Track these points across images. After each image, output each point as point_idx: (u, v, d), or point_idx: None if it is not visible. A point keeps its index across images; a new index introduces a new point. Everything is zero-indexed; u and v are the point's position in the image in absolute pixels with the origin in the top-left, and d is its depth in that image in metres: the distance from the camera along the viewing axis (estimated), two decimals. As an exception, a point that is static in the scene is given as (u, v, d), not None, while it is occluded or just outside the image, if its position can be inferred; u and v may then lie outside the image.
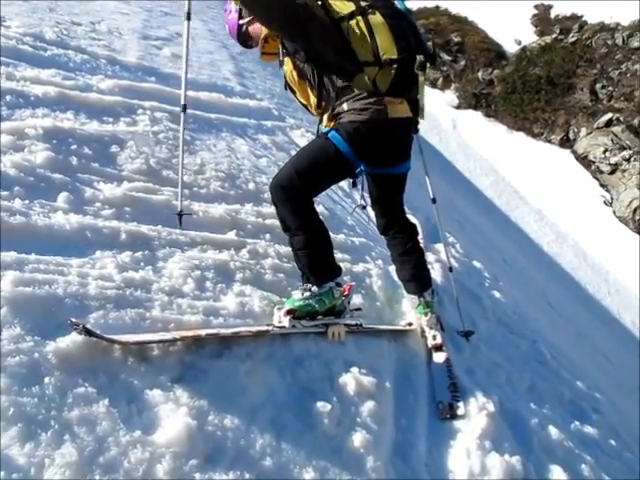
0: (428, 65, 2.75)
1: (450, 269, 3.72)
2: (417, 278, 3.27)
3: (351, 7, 2.66)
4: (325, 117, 2.82)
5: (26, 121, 3.35)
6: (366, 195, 3.18)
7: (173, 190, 3.28)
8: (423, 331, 3.24)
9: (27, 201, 2.69)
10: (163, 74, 5.03)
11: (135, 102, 4.22)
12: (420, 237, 3.69)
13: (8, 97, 3.51)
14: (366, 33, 2.62)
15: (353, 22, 2.63)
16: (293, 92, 2.91)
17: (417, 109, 2.86)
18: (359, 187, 3.15)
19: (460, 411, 2.80)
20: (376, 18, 2.64)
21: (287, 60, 2.80)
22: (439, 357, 3.13)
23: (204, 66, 5.90)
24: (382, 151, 2.85)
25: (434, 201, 3.59)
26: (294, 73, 2.80)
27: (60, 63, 4.41)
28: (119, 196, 3.03)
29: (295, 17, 2.55)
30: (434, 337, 3.20)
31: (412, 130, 2.97)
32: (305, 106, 2.92)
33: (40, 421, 1.78)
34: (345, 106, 2.70)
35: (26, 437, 1.72)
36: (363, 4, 2.66)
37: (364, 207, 3.30)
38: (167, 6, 8.01)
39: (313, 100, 2.81)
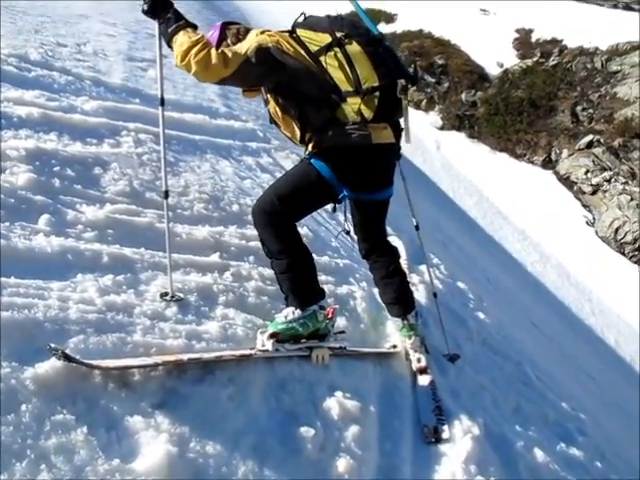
0: (410, 87, 2.75)
1: (434, 295, 3.71)
2: (400, 301, 3.25)
3: (327, 39, 2.67)
4: (310, 146, 2.82)
5: (8, 142, 3.33)
6: (349, 218, 3.19)
7: (156, 212, 3.26)
8: (407, 354, 3.23)
9: (7, 223, 2.67)
10: (148, 96, 5.03)
11: (119, 124, 4.21)
12: (403, 259, 3.70)
13: (-10, 118, 3.49)
14: (345, 64, 2.65)
15: (331, 54, 2.65)
16: (278, 126, 2.92)
17: (399, 135, 2.89)
18: (342, 211, 3.15)
19: (445, 435, 2.78)
20: (353, 47, 2.66)
21: (269, 97, 2.83)
22: (424, 380, 3.11)
23: (189, 87, 5.91)
24: (365, 176, 2.84)
25: (417, 228, 3.59)
26: (277, 109, 2.82)
27: (44, 84, 4.41)
28: (102, 218, 3.01)
29: (276, 67, 2.60)
30: (419, 360, 3.18)
31: (395, 156, 2.97)
32: (290, 138, 2.93)
33: (16, 451, 1.75)
34: (329, 133, 2.72)
35: (1, 468, 1.68)
36: (338, 35, 2.67)
37: (348, 232, 3.29)
38: (153, 28, 7.97)
39: (297, 133, 2.81)
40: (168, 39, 2.58)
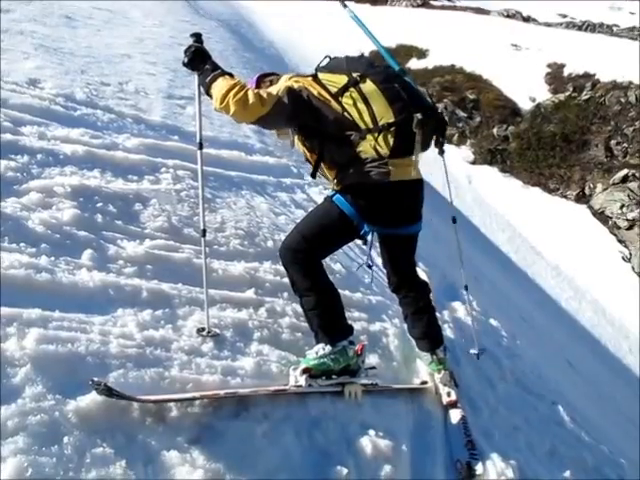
0: (427, 117, 2.77)
1: (466, 287, 3.85)
2: (429, 336, 3.28)
3: (344, 80, 2.80)
4: (334, 182, 2.94)
5: (55, 179, 3.47)
6: (374, 254, 3.25)
7: (194, 248, 3.34)
8: (437, 388, 3.22)
9: (53, 258, 2.77)
10: (186, 133, 5.18)
11: (159, 160, 4.35)
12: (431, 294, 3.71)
13: (39, 156, 3.65)
14: (361, 102, 2.75)
15: (347, 94, 2.77)
16: (311, 163, 3.04)
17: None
18: (368, 245, 3.21)
19: (478, 470, 2.75)
20: (367, 86, 2.76)
21: (295, 139, 3.00)
22: (455, 414, 3.09)
23: (225, 124, 6.06)
24: (386, 213, 2.92)
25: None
26: (301, 145, 2.99)
27: (89, 122, 4.59)
28: (141, 254, 3.10)
29: (303, 107, 2.76)
30: (448, 394, 3.18)
31: (421, 192, 3.01)
32: (323, 175, 3.04)
33: (58, 482, 1.79)
34: (350, 170, 2.83)
35: (43, 499, 1.73)
36: (354, 75, 2.79)
37: (370, 266, 3.35)
38: (195, 79, 8.30)
39: (324, 171, 2.96)
40: (207, 87, 2.77)
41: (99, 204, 3.39)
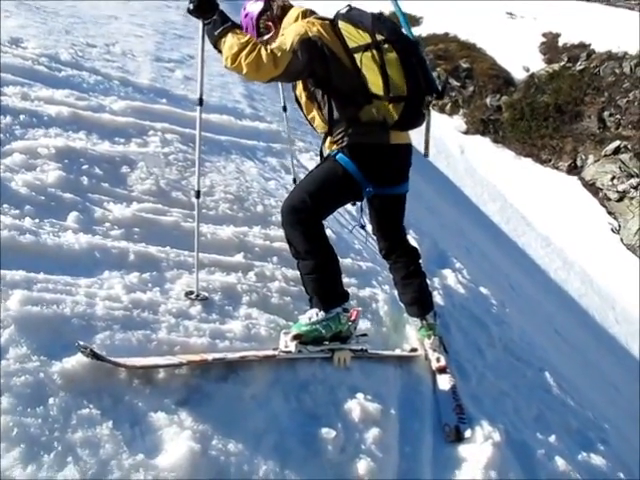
0: (435, 101, 2.86)
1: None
2: (419, 301, 3.29)
3: (367, 39, 2.71)
4: (328, 139, 2.91)
5: (39, 140, 3.40)
6: (366, 218, 3.24)
7: (182, 211, 3.30)
8: (427, 353, 3.24)
9: (37, 220, 2.72)
10: (175, 96, 5.09)
11: (147, 123, 4.27)
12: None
13: (22, 117, 3.57)
14: (379, 67, 2.69)
15: (368, 54, 2.70)
16: (301, 108, 3.01)
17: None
18: (358, 207, 3.22)
19: (467, 434, 2.77)
20: (390, 53, 2.70)
21: (299, 83, 2.91)
22: (443, 380, 3.10)
23: (215, 88, 5.96)
24: (386, 171, 2.93)
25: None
26: (303, 94, 2.91)
27: (74, 84, 4.48)
28: (128, 217, 3.06)
29: (317, 58, 2.66)
30: (438, 359, 3.19)
31: (411, 154, 3.04)
32: (310, 123, 3.02)
33: (43, 442, 1.78)
34: (350, 130, 2.80)
35: (29, 458, 1.72)
36: (379, 37, 2.71)
37: (363, 226, 3.33)
38: (180, 29, 8.13)
39: (318, 121, 2.91)
40: (215, 41, 2.62)
41: (85, 166, 3.33)
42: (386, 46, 2.71)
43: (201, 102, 2.81)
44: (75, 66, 4.82)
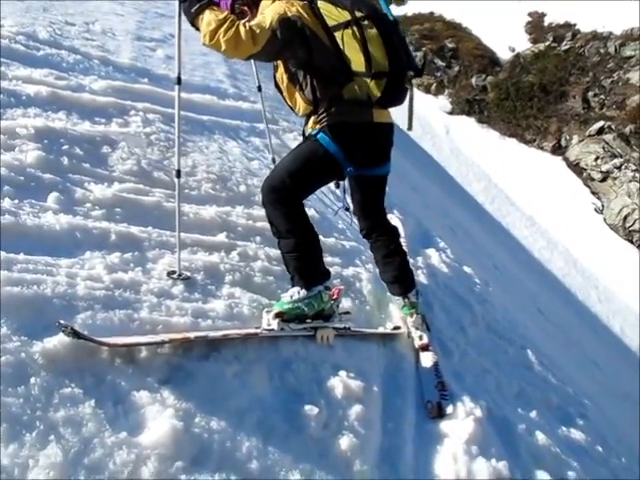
0: (414, 77, 2.85)
1: None
2: (401, 280, 3.31)
3: (347, 16, 2.70)
4: (311, 120, 2.88)
5: (17, 120, 3.35)
6: (349, 198, 3.22)
7: (164, 191, 3.28)
8: (409, 332, 3.26)
9: (17, 201, 2.70)
10: (156, 75, 5.02)
11: (128, 103, 4.22)
12: (403, 239, 3.72)
13: (0, 96, 3.50)
14: (360, 44, 2.67)
15: (348, 31, 2.68)
16: (281, 92, 2.98)
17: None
18: (342, 189, 3.22)
19: (449, 410, 2.81)
20: (371, 30, 2.69)
21: (279, 63, 2.87)
22: (426, 357, 3.13)
23: (197, 68, 5.89)
24: (368, 152, 2.93)
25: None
26: (284, 76, 2.87)
27: (53, 63, 4.40)
28: (109, 197, 3.03)
29: (297, 38, 2.62)
30: (420, 337, 3.22)
31: (393, 135, 3.03)
32: (291, 107, 2.98)
33: (25, 421, 1.78)
34: (333, 110, 2.78)
35: (11, 437, 1.72)
36: (358, 15, 2.70)
37: (347, 209, 3.33)
38: (162, 7, 8.00)
39: (300, 102, 2.87)
40: (192, 18, 2.58)
41: (65, 146, 3.29)
42: (366, 22, 2.69)
43: (179, 81, 2.79)
44: (54, 45, 4.73)
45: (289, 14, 2.62)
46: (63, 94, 3.92)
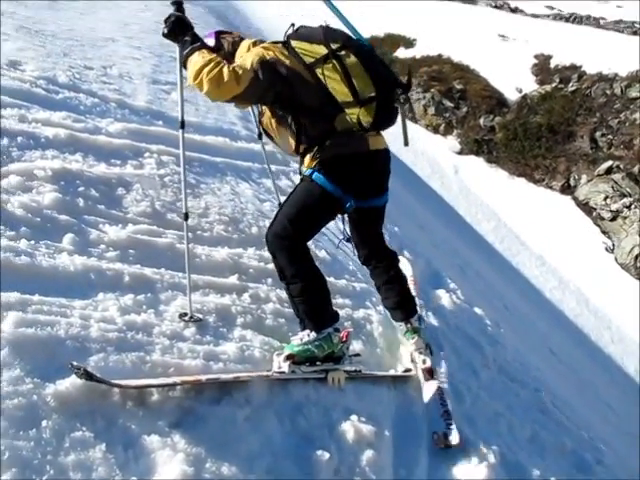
0: (403, 94, 2.80)
1: None
2: (402, 305, 3.32)
3: (322, 51, 2.70)
4: (307, 157, 2.87)
5: (35, 162, 3.42)
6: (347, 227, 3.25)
7: (177, 233, 3.32)
8: (413, 356, 3.26)
9: (33, 241, 2.74)
10: (171, 118, 5.13)
11: (142, 145, 4.30)
12: (411, 278, 3.72)
13: (19, 139, 3.60)
14: (342, 75, 2.68)
15: (328, 65, 2.68)
16: (270, 138, 3.01)
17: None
18: (341, 219, 3.22)
19: (454, 440, 2.79)
20: (350, 59, 2.69)
21: (264, 108, 2.92)
22: (430, 386, 3.10)
23: (211, 110, 6.01)
24: (366, 181, 2.93)
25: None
26: (272, 120, 2.90)
27: (71, 106, 4.52)
28: (124, 238, 3.07)
29: (278, 79, 2.66)
30: (424, 361, 3.21)
31: (389, 162, 3.04)
32: (284, 150, 3.03)
33: (35, 466, 1.78)
34: (327, 143, 2.79)
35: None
36: (334, 46, 2.70)
37: (348, 239, 3.33)
38: (176, 51, 8.21)
39: (292, 144, 2.88)
40: (183, 60, 2.70)
41: (81, 188, 3.35)
42: (343, 52, 2.69)
43: (182, 125, 2.89)
44: (72, 88, 4.87)
45: (267, 57, 2.66)
46: (80, 136, 4.01)
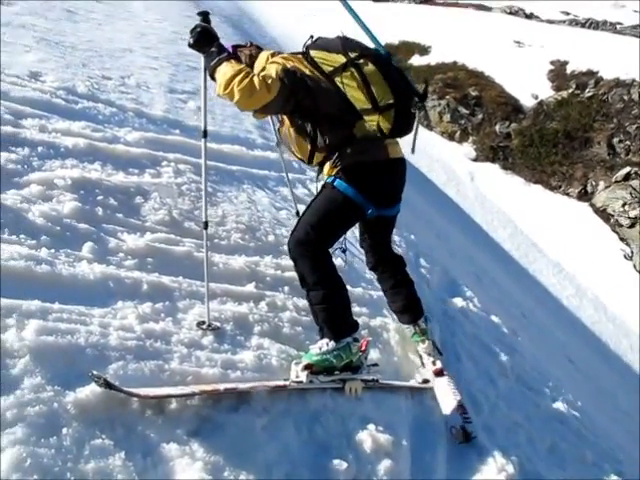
0: (419, 103, 2.84)
1: None
2: (409, 309, 3.36)
3: (341, 59, 2.75)
4: (327, 165, 2.91)
5: (56, 172, 3.47)
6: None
7: (195, 241, 3.34)
8: (422, 359, 3.30)
9: (53, 250, 2.77)
10: (188, 127, 5.18)
11: (160, 154, 4.34)
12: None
13: (40, 148, 3.65)
14: (361, 83, 2.72)
15: (347, 74, 2.73)
16: (288, 146, 3.05)
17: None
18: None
19: (473, 434, 2.86)
20: (368, 67, 2.72)
21: (284, 118, 2.95)
22: (441, 382, 3.16)
23: (227, 118, 6.05)
24: (386, 189, 2.97)
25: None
26: (291, 130, 2.93)
27: (90, 116, 4.57)
28: (142, 247, 3.10)
29: (301, 88, 2.72)
30: (434, 363, 3.26)
31: (406, 170, 3.07)
32: (301, 159, 3.03)
33: (56, 473, 1.80)
34: (348, 150, 2.83)
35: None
36: (352, 55, 2.74)
37: (344, 250, 3.39)
38: (193, 61, 8.27)
39: (310, 153, 2.92)
40: (211, 71, 2.74)
41: (100, 197, 3.39)
42: (361, 61, 2.73)
43: (205, 134, 2.90)
44: (91, 98, 4.93)
45: (288, 66, 2.73)
46: (99, 145, 4.06)
